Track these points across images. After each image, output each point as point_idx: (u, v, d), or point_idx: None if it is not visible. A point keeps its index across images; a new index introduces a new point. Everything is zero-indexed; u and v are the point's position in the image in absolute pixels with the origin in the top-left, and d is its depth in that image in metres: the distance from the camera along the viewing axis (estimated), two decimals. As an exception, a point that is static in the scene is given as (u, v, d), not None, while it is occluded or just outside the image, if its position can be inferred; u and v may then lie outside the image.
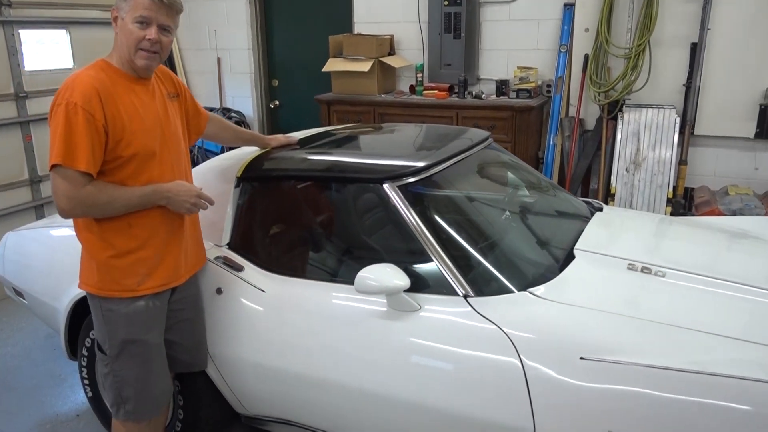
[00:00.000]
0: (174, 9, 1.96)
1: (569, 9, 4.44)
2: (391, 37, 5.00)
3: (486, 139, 2.76)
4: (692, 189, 4.35)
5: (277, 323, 2.22)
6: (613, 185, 4.30)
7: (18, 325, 3.84)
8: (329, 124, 4.92)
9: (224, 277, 2.33)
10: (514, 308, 1.96)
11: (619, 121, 4.29)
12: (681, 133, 4.19)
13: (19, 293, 3.06)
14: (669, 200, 4.19)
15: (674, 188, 4.20)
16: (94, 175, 1.88)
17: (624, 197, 4.30)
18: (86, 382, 2.68)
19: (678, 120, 4.17)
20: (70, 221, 2.05)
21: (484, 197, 2.58)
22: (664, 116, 4.20)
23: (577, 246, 2.27)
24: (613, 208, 2.82)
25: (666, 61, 4.21)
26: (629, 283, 2.07)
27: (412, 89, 4.84)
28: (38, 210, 4.92)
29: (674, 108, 4.20)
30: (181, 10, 2.00)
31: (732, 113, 4.14)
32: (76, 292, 2.52)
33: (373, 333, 2.07)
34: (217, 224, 2.43)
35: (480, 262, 2.11)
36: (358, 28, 5.18)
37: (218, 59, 5.85)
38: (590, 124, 4.54)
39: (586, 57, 4.38)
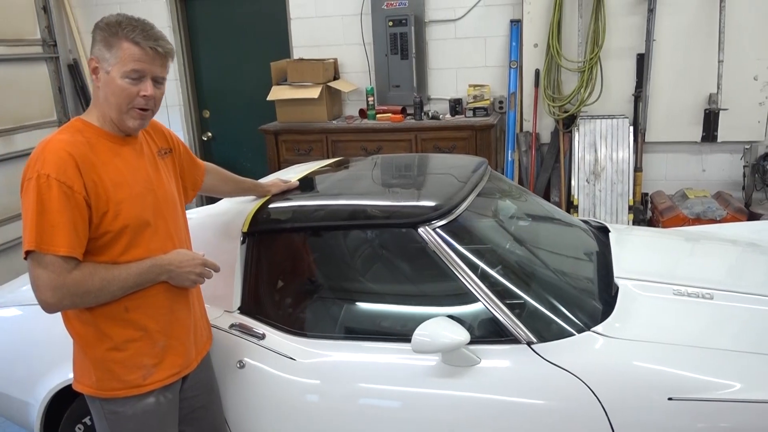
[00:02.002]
0: (168, 57, 1.69)
1: (516, 25, 4.45)
2: (335, 61, 4.81)
3: (486, 165, 2.66)
4: (646, 194, 4.46)
5: (315, 394, 1.98)
6: (575, 196, 4.34)
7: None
8: (278, 155, 4.66)
9: (245, 348, 2.06)
10: (583, 351, 1.85)
11: (575, 134, 4.34)
12: (634, 141, 4.30)
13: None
14: (630, 207, 4.28)
15: (633, 195, 4.29)
16: (79, 258, 1.58)
17: (587, 208, 4.34)
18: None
19: (631, 129, 4.28)
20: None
21: (506, 230, 2.46)
22: (618, 126, 4.29)
23: (616, 274, 2.19)
24: (618, 227, 2.79)
25: (615, 73, 4.30)
26: (686, 310, 2.01)
27: (362, 113, 4.66)
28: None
29: (626, 117, 4.30)
30: (173, 55, 1.73)
31: (679, 119, 4.29)
32: (54, 383, 2.16)
33: (431, 393, 1.88)
34: (224, 287, 2.15)
35: (534, 305, 1.98)
36: (297, 53, 4.94)
37: (141, 92, 5.41)
38: (545, 137, 4.56)
39: (537, 72, 4.40)
